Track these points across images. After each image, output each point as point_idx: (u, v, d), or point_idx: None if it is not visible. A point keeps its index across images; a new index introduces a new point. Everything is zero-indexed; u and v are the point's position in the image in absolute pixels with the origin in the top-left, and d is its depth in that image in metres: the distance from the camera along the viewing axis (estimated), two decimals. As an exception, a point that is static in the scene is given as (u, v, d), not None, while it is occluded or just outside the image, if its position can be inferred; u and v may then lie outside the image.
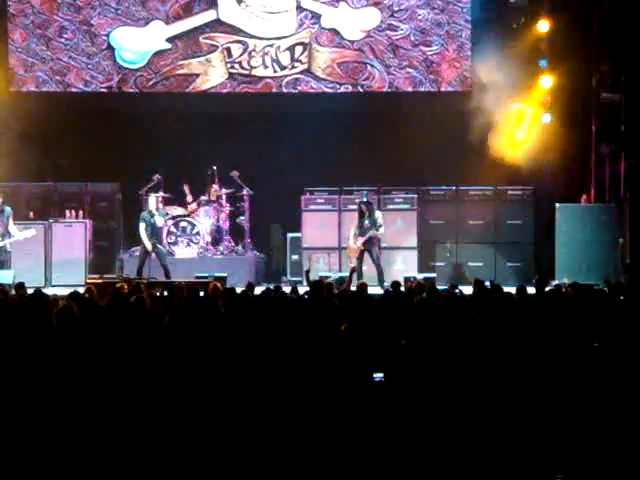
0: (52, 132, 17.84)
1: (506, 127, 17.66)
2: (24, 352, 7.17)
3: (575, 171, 17.95)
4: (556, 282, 16.40)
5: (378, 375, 7.14)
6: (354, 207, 17.45)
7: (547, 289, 11.29)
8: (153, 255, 16.35)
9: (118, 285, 10.29)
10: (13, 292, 11.33)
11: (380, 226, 16.20)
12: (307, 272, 14.49)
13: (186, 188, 17.88)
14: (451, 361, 7.11)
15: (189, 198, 17.97)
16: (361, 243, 16.14)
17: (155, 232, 16.51)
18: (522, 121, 17.99)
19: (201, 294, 10.32)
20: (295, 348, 7.34)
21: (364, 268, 16.12)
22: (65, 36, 18.54)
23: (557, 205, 17.29)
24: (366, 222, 16.20)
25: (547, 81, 18.02)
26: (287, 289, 12.67)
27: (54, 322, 7.70)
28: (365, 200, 16.52)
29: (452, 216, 17.93)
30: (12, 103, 17.91)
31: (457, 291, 11.09)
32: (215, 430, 6.52)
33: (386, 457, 6.40)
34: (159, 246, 16.54)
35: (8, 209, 15.84)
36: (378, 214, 16.33)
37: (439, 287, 11.92)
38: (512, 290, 10.61)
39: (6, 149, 17.21)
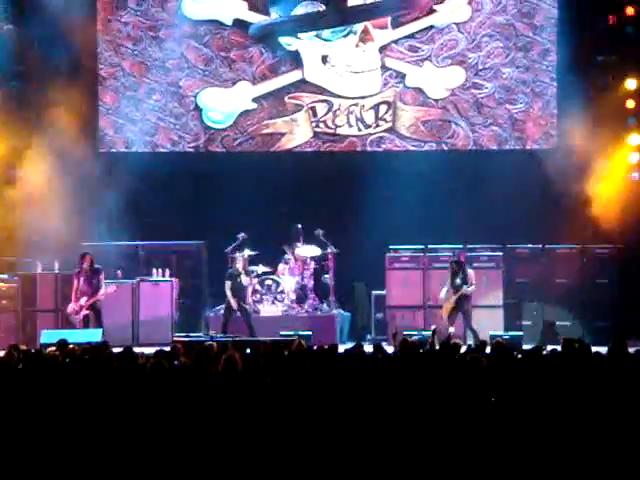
0: (139, 191, 18.08)
1: (593, 184, 17.51)
2: (111, 409, 7.23)
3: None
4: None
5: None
6: (439, 265, 17.42)
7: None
8: (238, 313, 16.47)
9: (207, 344, 10.36)
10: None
11: (472, 285, 16.13)
12: (394, 334, 14.40)
13: (285, 248, 17.74)
14: (538, 421, 7.00)
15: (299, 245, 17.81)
16: (454, 301, 16.10)
17: (240, 291, 16.62)
18: (609, 179, 17.81)
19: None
20: (379, 408, 7.28)
21: (451, 330, 15.99)
22: (154, 97, 18.89)
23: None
24: (457, 281, 16.16)
25: (635, 139, 17.86)
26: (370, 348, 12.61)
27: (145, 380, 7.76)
28: (456, 259, 16.46)
29: (538, 274, 17.74)
30: (100, 163, 18.23)
31: (545, 352, 10.91)
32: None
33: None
34: (244, 305, 16.64)
35: (100, 270, 16.14)
36: (470, 272, 16.27)
37: (526, 347, 11.77)
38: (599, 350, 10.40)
39: (94, 209, 17.49)
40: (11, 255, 17.94)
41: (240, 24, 18.81)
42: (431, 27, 18.68)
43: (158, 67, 18.86)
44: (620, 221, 17.38)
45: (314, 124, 18.93)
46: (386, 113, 18.83)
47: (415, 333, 15.99)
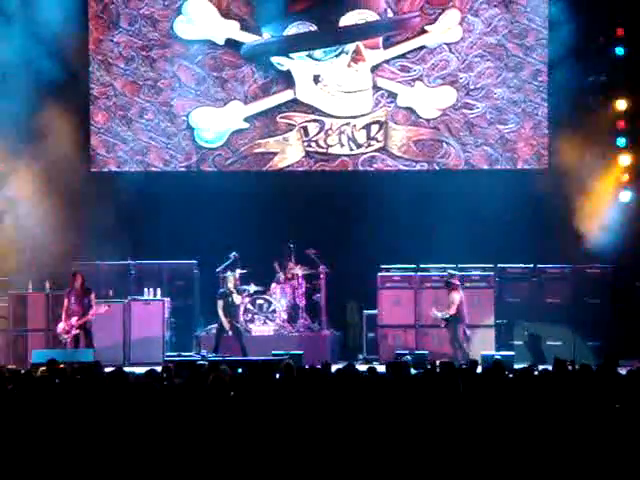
0: (131, 211, 18.09)
1: (584, 205, 17.55)
2: (101, 429, 7.20)
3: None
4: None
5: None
6: (430, 285, 17.43)
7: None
8: (230, 333, 16.46)
9: (198, 363, 10.34)
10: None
11: (448, 307, 16.15)
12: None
13: (276, 266, 17.82)
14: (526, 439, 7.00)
15: (281, 275, 17.87)
16: (443, 325, 16.21)
17: (233, 310, 16.61)
18: (601, 199, 17.85)
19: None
20: (372, 427, 7.27)
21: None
22: (146, 117, 18.91)
23: (638, 284, 17.04)
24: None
25: (626, 159, 17.92)
26: (363, 367, 12.60)
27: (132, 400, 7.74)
28: (446, 280, 16.47)
29: (530, 294, 17.75)
30: (92, 182, 18.24)
31: (536, 372, 10.90)
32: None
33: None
34: (236, 324, 16.62)
35: (90, 290, 16.14)
36: (450, 296, 16.21)
37: (517, 366, 11.74)
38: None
39: (86, 228, 17.48)
40: (2, 274, 17.90)
41: (232, 44, 18.85)
42: (422, 47, 18.75)
43: (150, 87, 18.89)
44: (611, 241, 17.39)
45: (306, 144, 18.96)
46: (378, 133, 18.87)
47: (407, 353, 16.02)
